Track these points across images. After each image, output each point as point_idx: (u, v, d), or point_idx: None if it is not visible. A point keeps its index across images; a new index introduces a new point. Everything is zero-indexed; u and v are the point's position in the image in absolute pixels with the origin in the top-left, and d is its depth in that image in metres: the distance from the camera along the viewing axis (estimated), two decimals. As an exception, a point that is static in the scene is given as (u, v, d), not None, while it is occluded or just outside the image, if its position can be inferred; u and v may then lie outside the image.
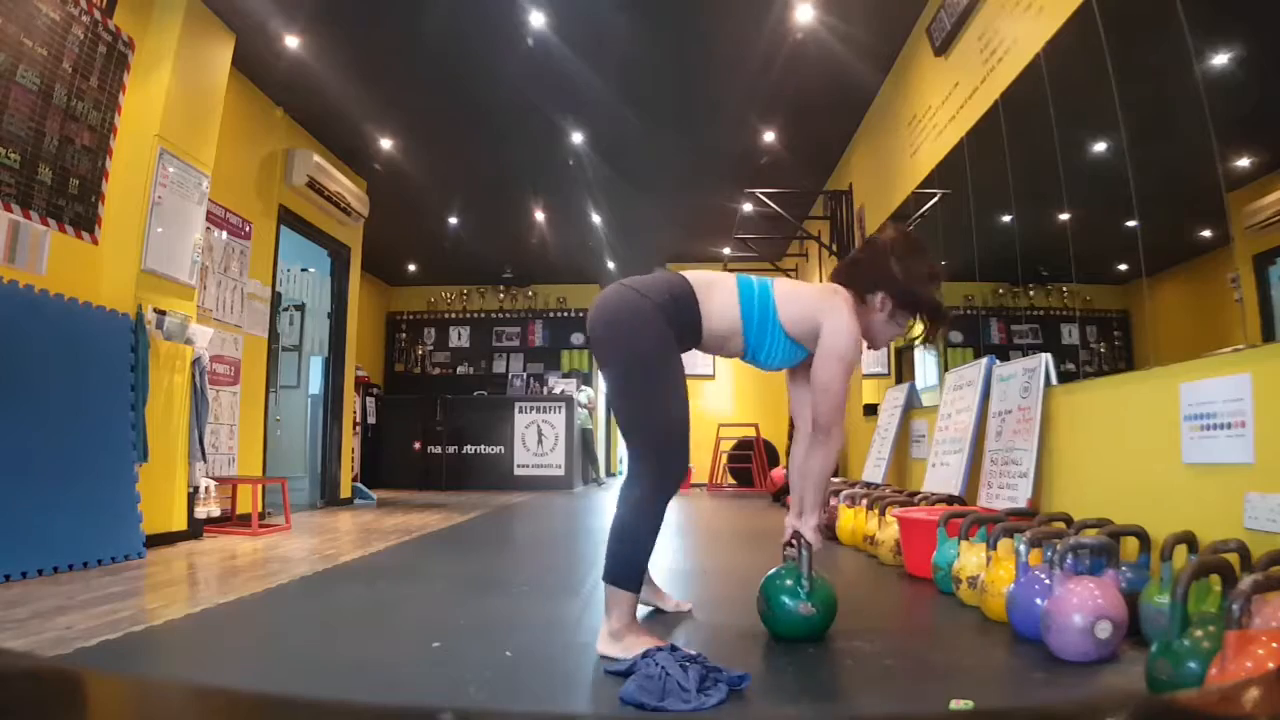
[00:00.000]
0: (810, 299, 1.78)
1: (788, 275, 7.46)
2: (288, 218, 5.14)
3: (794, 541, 1.80)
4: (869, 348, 1.88)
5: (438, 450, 7.88)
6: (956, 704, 1.29)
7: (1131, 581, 1.74)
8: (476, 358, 9.52)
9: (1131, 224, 2.35)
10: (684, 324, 1.74)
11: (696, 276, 1.80)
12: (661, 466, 1.69)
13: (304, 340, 5.98)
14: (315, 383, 6.11)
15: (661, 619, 1.98)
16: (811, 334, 1.75)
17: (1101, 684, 1.43)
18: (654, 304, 1.69)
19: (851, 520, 3.28)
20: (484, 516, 5.00)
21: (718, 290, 1.77)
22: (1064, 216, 2.86)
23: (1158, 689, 1.25)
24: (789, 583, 1.73)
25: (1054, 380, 2.63)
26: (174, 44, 3.52)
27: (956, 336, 3.94)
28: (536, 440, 7.86)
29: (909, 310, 1.81)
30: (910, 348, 4.69)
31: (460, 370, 9.46)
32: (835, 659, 1.61)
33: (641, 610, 1.99)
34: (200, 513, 3.69)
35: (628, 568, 1.65)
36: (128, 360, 3.21)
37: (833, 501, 3.58)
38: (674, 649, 1.47)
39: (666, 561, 3.08)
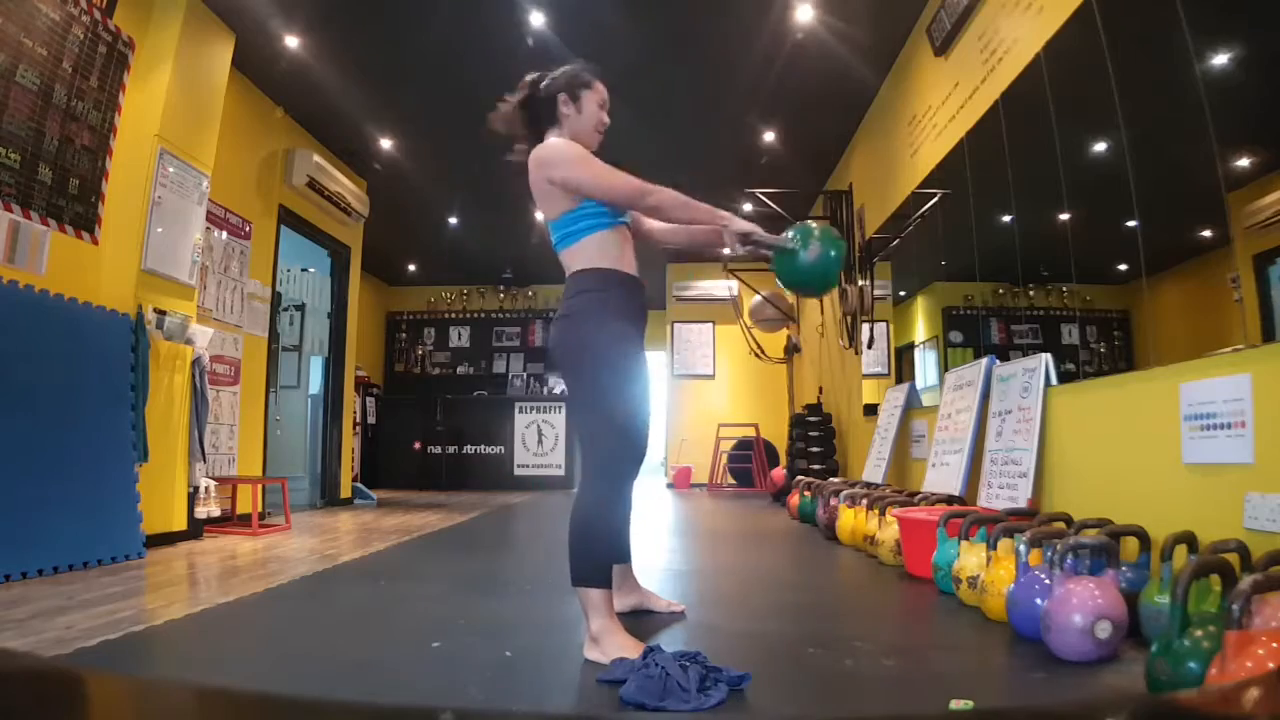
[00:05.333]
0: (533, 183, 1.81)
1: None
2: (288, 218, 5.13)
3: (749, 240, 1.79)
4: (585, 146, 1.87)
5: (438, 450, 7.87)
6: (956, 704, 1.29)
7: (1131, 581, 1.74)
8: (476, 358, 9.51)
9: (1131, 224, 2.35)
10: (616, 296, 1.75)
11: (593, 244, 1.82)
12: (602, 463, 1.69)
13: (304, 340, 5.98)
14: (315, 383, 6.11)
15: (658, 620, 1.98)
16: (560, 194, 1.78)
17: (1101, 684, 1.43)
18: (576, 312, 1.73)
19: (851, 520, 3.28)
20: (484, 516, 5.00)
21: (578, 251, 1.81)
22: (1064, 216, 2.87)
23: (1158, 689, 1.26)
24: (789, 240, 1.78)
25: (1054, 380, 2.63)
26: (174, 44, 3.52)
27: (957, 336, 3.95)
28: (536, 440, 7.86)
29: (560, 100, 1.85)
30: (910, 347, 4.69)
31: (460, 370, 9.45)
32: (835, 659, 1.61)
33: (633, 613, 2.00)
34: (200, 513, 3.69)
35: (591, 566, 1.64)
36: (128, 360, 3.21)
37: (833, 502, 3.59)
38: (659, 649, 1.47)
39: (666, 561, 3.08)
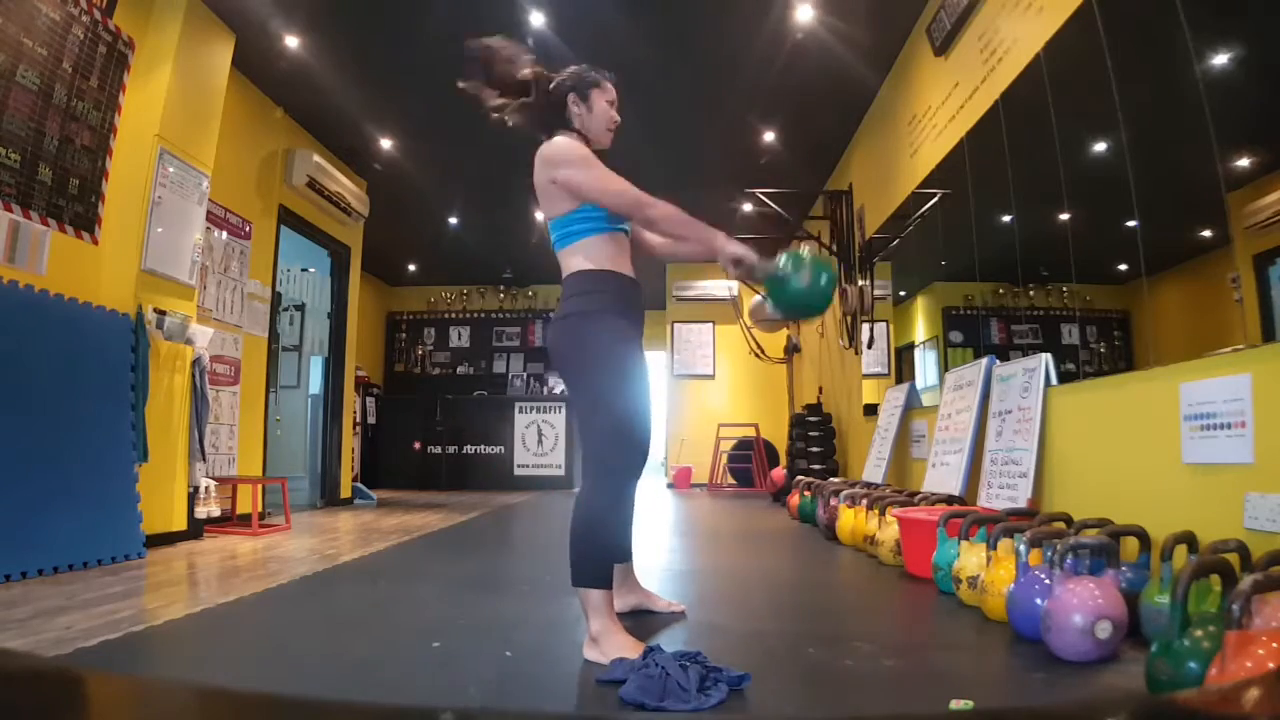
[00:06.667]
0: (536, 181, 1.81)
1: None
2: (288, 218, 5.13)
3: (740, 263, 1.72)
4: (598, 144, 1.92)
5: (438, 450, 7.87)
6: (956, 704, 1.29)
7: (1131, 581, 1.74)
8: (476, 358, 9.51)
9: (1131, 224, 2.35)
10: (615, 297, 1.75)
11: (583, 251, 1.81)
12: (603, 464, 1.69)
13: (304, 340, 5.98)
14: (315, 383, 6.11)
15: (658, 621, 1.98)
16: (561, 194, 1.78)
17: (1101, 684, 1.43)
18: (576, 313, 1.73)
19: (851, 520, 3.28)
20: (484, 516, 5.00)
21: (576, 252, 1.80)
22: (1064, 216, 2.87)
23: (1158, 689, 1.25)
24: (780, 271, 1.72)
25: (1054, 380, 2.63)
26: (174, 44, 3.52)
27: (957, 336, 3.95)
28: (536, 440, 7.86)
29: (570, 100, 1.88)
30: (910, 347, 4.69)
31: (460, 370, 9.45)
32: (835, 659, 1.61)
33: (633, 613, 2.00)
34: (200, 513, 3.69)
35: (592, 567, 1.64)
36: (128, 360, 3.20)
37: (833, 502, 3.59)
38: (659, 649, 1.47)
39: (666, 561, 3.08)
